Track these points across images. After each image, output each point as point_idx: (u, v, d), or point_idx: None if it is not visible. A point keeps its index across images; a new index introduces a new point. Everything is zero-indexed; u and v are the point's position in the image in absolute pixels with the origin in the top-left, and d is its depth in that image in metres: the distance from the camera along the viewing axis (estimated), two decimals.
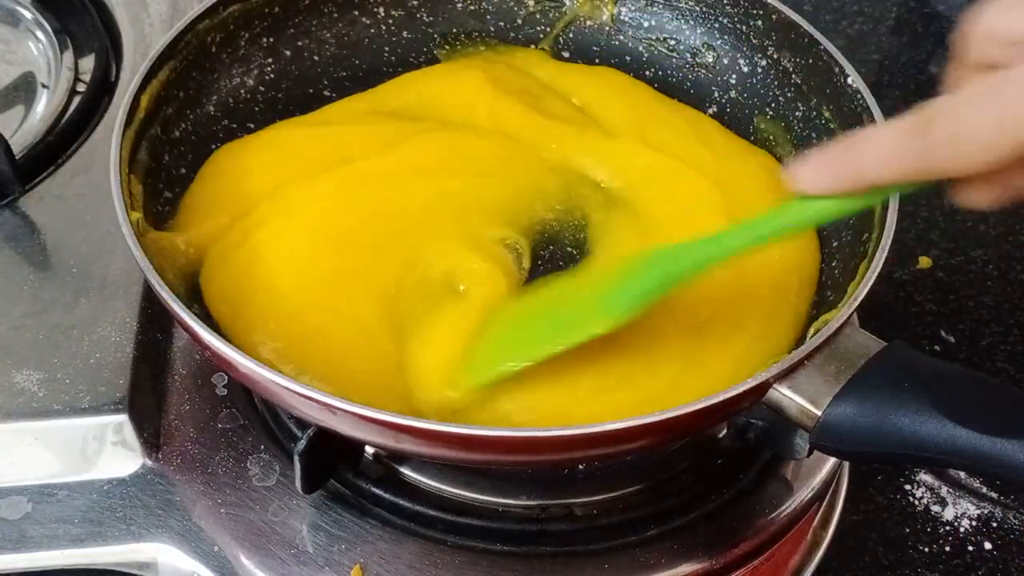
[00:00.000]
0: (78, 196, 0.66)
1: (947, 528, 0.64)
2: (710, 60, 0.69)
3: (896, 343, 0.49)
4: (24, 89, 0.74)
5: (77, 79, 0.73)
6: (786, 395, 0.47)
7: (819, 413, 0.46)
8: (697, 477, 0.57)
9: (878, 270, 0.51)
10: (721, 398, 0.46)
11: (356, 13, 0.70)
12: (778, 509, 0.56)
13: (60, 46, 0.75)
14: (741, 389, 0.46)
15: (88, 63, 0.74)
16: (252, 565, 0.54)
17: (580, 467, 0.56)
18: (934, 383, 0.46)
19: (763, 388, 0.47)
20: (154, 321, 0.61)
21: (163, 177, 0.60)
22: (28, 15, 0.77)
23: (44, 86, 0.74)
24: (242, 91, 0.66)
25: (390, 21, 0.71)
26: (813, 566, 0.62)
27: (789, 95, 0.65)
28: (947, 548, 0.64)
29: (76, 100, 0.72)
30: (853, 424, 0.45)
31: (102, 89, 0.73)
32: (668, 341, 0.54)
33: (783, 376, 0.47)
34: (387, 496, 0.55)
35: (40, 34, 0.77)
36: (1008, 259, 0.76)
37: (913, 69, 0.90)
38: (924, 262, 0.76)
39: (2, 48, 0.76)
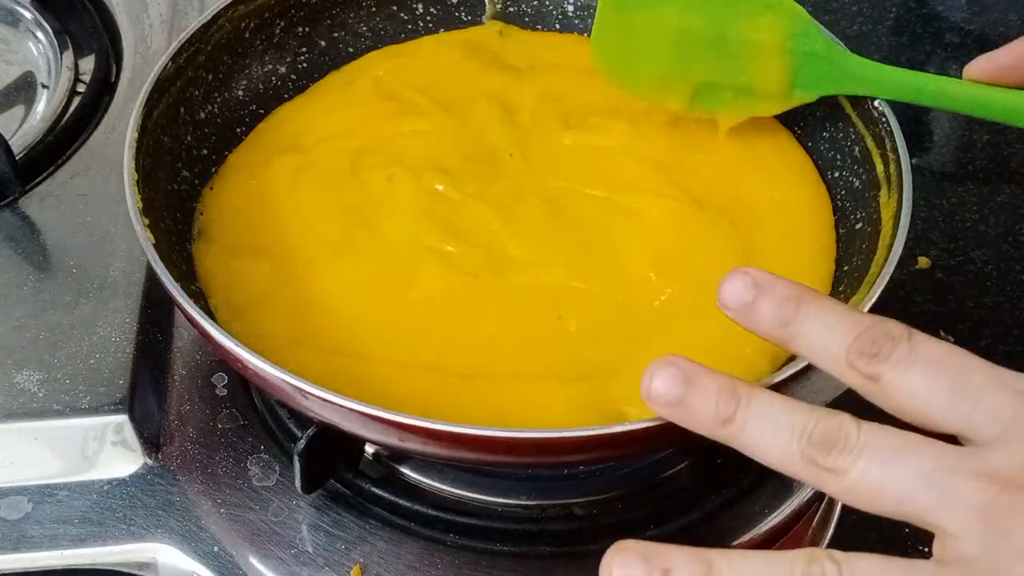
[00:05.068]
0: (78, 196, 0.66)
1: None
2: None
3: None
4: (24, 89, 0.74)
5: (77, 79, 0.73)
6: None
7: None
8: (697, 477, 0.57)
9: (874, 299, 0.50)
10: None
11: (395, 8, 0.70)
12: (778, 509, 0.56)
13: (60, 46, 0.75)
14: None
15: (88, 63, 0.74)
16: (252, 565, 0.54)
17: (581, 468, 0.56)
18: None
19: None
20: (154, 321, 0.61)
21: (182, 157, 0.61)
22: (28, 15, 0.77)
23: (44, 86, 0.74)
24: (273, 78, 0.67)
25: (428, 18, 0.71)
26: None
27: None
28: None
29: (76, 100, 0.72)
30: None
31: (102, 89, 0.73)
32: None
33: None
34: (387, 496, 0.55)
35: (40, 34, 0.77)
36: (1008, 259, 0.76)
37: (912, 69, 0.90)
38: (923, 262, 0.75)
39: (2, 48, 0.76)
